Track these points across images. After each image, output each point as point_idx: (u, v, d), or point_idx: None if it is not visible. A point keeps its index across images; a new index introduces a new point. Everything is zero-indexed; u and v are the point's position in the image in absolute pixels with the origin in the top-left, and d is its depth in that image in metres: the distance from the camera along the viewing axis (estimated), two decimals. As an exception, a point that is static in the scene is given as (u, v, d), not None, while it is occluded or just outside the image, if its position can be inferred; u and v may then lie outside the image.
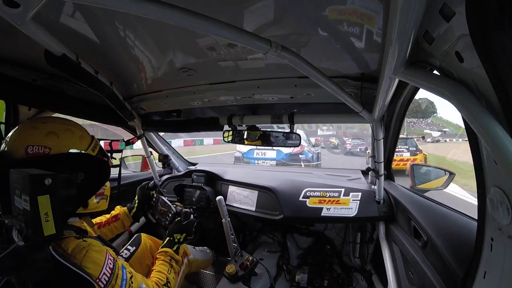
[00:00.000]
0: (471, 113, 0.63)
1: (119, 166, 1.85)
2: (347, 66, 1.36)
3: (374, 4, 0.87)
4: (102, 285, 1.06)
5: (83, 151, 1.22)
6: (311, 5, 0.92)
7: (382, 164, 1.95)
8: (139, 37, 1.24)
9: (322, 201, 2.16)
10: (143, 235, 1.93)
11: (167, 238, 1.66)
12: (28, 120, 1.42)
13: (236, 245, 2.17)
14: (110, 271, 1.10)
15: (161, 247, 1.62)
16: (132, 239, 1.90)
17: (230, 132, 2.07)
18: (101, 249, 1.13)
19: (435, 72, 0.84)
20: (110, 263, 1.12)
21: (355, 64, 1.34)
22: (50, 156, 1.12)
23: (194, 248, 2.05)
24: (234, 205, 2.45)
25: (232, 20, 1.00)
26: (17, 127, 1.21)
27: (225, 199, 2.23)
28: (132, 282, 1.19)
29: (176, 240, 1.66)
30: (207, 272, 2.15)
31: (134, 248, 1.81)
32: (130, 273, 1.22)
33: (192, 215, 1.84)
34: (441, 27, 0.67)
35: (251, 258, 2.05)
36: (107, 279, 1.08)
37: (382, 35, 1.01)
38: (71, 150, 1.18)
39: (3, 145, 1.15)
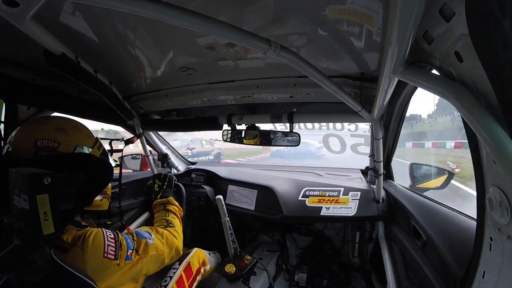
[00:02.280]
0: (470, 113, 0.63)
1: (120, 165, 1.85)
2: (346, 65, 1.36)
3: (374, 4, 0.87)
4: (112, 257, 1.08)
5: (90, 148, 1.24)
6: (310, 5, 0.92)
7: (382, 163, 1.95)
8: (138, 36, 1.24)
9: (322, 200, 2.16)
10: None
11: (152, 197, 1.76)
12: (32, 119, 1.43)
13: (235, 244, 2.17)
14: (113, 242, 1.12)
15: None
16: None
17: (229, 132, 2.07)
18: (96, 230, 1.15)
19: (435, 72, 0.84)
20: (110, 234, 1.14)
21: (355, 64, 1.34)
22: (53, 156, 1.13)
23: (209, 254, 2.04)
24: (234, 204, 2.45)
25: (232, 19, 1.00)
26: (21, 126, 1.22)
27: (224, 198, 2.23)
28: (135, 236, 1.24)
29: (156, 189, 1.77)
30: None
31: None
32: (130, 234, 1.25)
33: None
34: (440, 27, 0.67)
35: (250, 257, 2.06)
36: (114, 249, 1.10)
37: (382, 34, 1.01)
38: (78, 146, 1.20)
39: (6, 146, 1.15)
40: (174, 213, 1.61)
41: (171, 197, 1.75)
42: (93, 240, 1.09)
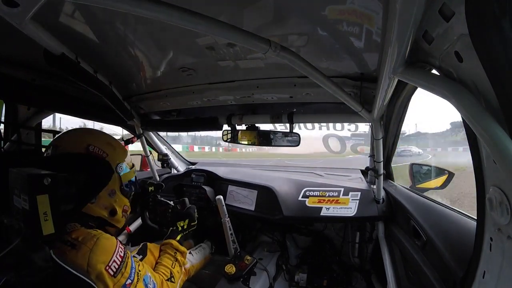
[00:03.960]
0: (470, 113, 0.63)
1: None
2: (346, 66, 1.36)
3: (374, 4, 0.87)
4: (112, 273, 1.06)
5: (129, 169, 1.35)
6: (310, 5, 0.92)
7: (382, 163, 1.95)
8: (138, 36, 1.24)
9: (322, 201, 2.16)
10: (149, 245, 1.91)
11: (170, 229, 1.64)
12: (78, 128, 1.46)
13: (235, 244, 2.17)
14: (120, 259, 1.11)
15: (165, 238, 1.60)
16: (139, 247, 1.89)
17: (229, 132, 2.07)
18: (111, 238, 1.15)
19: (435, 72, 0.84)
20: (121, 251, 1.13)
21: (355, 64, 1.34)
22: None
23: (190, 253, 2.03)
24: (234, 204, 2.45)
25: (232, 19, 1.01)
26: (67, 132, 1.31)
27: (224, 198, 2.22)
28: (139, 271, 1.20)
29: (179, 229, 1.65)
30: (207, 272, 2.15)
31: (141, 256, 1.79)
32: (137, 262, 1.23)
33: (188, 202, 1.86)
34: (440, 27, 0.67)
35: (250, 257, 2.05)
36: (117, 266, 1.08)
37: (382, 34, 1.01)
38: (120, 164, 1.30)
39: (46, 153, 1.22)
40: (180, 267, 1.55)
41: (187, 251, 1.66)
42: (105, 246, 1.09)
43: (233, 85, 1.65)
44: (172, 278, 1.43)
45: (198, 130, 2.25)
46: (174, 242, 1.58)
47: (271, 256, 2.44)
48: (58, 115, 1.98)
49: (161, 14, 0.72)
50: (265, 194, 2.32)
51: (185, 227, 1.68)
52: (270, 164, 3.49)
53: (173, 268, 1.47)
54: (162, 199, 1.97)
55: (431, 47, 0.76)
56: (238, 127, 2.03)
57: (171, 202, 1.93)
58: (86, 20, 1.10)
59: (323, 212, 2.12)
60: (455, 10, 0.60)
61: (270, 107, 1.91)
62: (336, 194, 2.16)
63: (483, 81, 0.63)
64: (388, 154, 2.18)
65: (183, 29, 0.78)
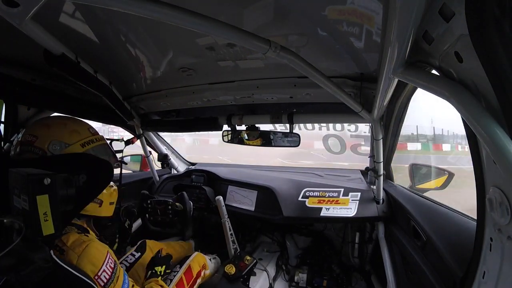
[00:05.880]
0: (470, 113, 0.63)
1: (120, 166, 1.85)
2: (346, 66, 1.36)
3: (374, 4, 0.87)
4: (102, 283, 1.06)
5: (67, 144, 1.19)
6: (310, 5, 0.92)
7: (381, 164, 1.95)
8: (138, 36, 1.24)
9: (322, 201, 2.16)
10: (148, 242, 1.90)
11: (149, 272, 1.57)
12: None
13: (235, 245, 2.17)
14: (111, 270, 1.10)
15: (146, 278, 1.53)
16: (137, 245, 1.88)
17: (229, 132, 2.07)
18: (102, 246, 1.14)
19: (434, 72, 0.84)
20: (111, 262, 1.12)
21: (355, 64, 1.34)
22: (55, 156, 1.14)
23: (209, 260, 2.04)
24: (234, 205, 2.45)
25: (232, 20, 1.00)
26: None
27: (224, 199, 2.22)
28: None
29: (158, 273, 1.58)
30: None
31: (139, 254, 1.79)
32: (131, 281, 1.22)
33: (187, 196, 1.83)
34: (440, 27, 0.67)
35: (250, 258, 2.05)
36: (107, 277, 1.08)
37: (382, 35, 1.01)
38: (53, 141, 1.15)
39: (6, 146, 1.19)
40: None
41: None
42: (93, 255, 1.08)
43: (233, 85, 1.65)
44: None
45: (198, 131, 2.26)
46: (159, 280, 1.51)
47: (271, 257, 2.44)
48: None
49: (161, 14, 0.72)
50: (265, 194, 2.32)
51: (162, 273, 1.59)
52: (269, 165, 3.48)
53: None
54: (160, 198, 1.97)
55: (431, 47, 0.76)
56: (238, 128, 2.03)
57: (169, 200, 1.93)
58: (86, 20, 1.10)
59: (323, 213, 2.12)
60: (455, 11, 0.60)
61: (270, 107, 1.91)
62: (336, 195, 2.16)
63: (483, 81, 0.63)
64: (388, 155, 2.18)
65: (183, 29, 0.78)
